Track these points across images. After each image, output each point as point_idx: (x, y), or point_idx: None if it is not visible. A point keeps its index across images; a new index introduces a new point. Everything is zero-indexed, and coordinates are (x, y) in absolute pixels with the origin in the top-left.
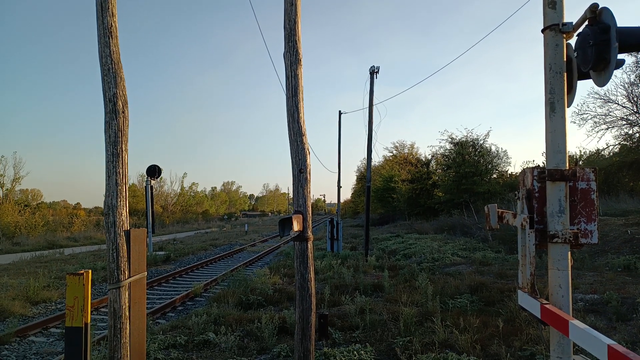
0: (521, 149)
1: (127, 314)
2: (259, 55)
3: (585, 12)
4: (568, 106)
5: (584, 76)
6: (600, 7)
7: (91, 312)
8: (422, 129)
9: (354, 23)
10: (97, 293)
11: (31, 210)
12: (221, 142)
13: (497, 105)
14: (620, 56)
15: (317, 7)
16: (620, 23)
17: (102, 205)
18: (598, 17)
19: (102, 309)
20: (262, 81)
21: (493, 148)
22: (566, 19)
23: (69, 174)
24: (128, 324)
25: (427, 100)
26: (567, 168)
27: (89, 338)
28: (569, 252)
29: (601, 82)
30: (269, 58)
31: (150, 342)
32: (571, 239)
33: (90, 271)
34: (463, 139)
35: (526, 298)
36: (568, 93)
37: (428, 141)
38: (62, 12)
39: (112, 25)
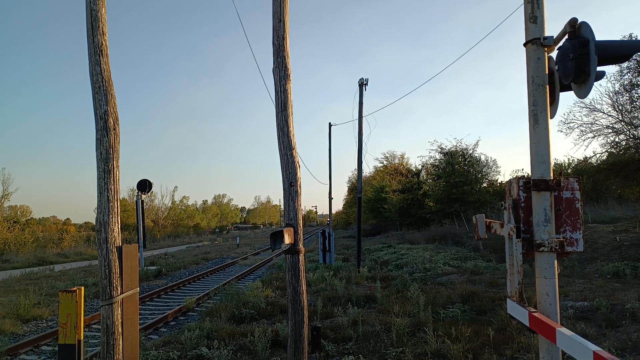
0: (511, 156)
1: (120, 330)
2: (250, 66)
3: (565, 27)
4: (551, 118)
5: (565, 88)
6: (579, 21)
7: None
8: (413, 139)
9: (343, 33)
10: (89, 309)
11: (20, 226)
12: (212, 154)
13: (488, 114)
14: (601, 68)
15: (306, 17)
16: (598, 37)
17: (92, 220)
18: (577, 32)
19: (94, 326)
20: (254, 92)
21: (482, 157)
22: (547, 33)
23: (58, 189)
24: (121, 340)
25: (417, 109)
26: (552, 178)
27: (82, 355)
28: (556, 261)
29: (582, 94)
30: (260, 70)
31: (143, 358)
32: (557, 247)
33: (82, 288)
34: (452, 149)
35: (515, 306)
36: (551, 105)
37: (419, 151)
38: (51, 24)
39: (102, 44)
